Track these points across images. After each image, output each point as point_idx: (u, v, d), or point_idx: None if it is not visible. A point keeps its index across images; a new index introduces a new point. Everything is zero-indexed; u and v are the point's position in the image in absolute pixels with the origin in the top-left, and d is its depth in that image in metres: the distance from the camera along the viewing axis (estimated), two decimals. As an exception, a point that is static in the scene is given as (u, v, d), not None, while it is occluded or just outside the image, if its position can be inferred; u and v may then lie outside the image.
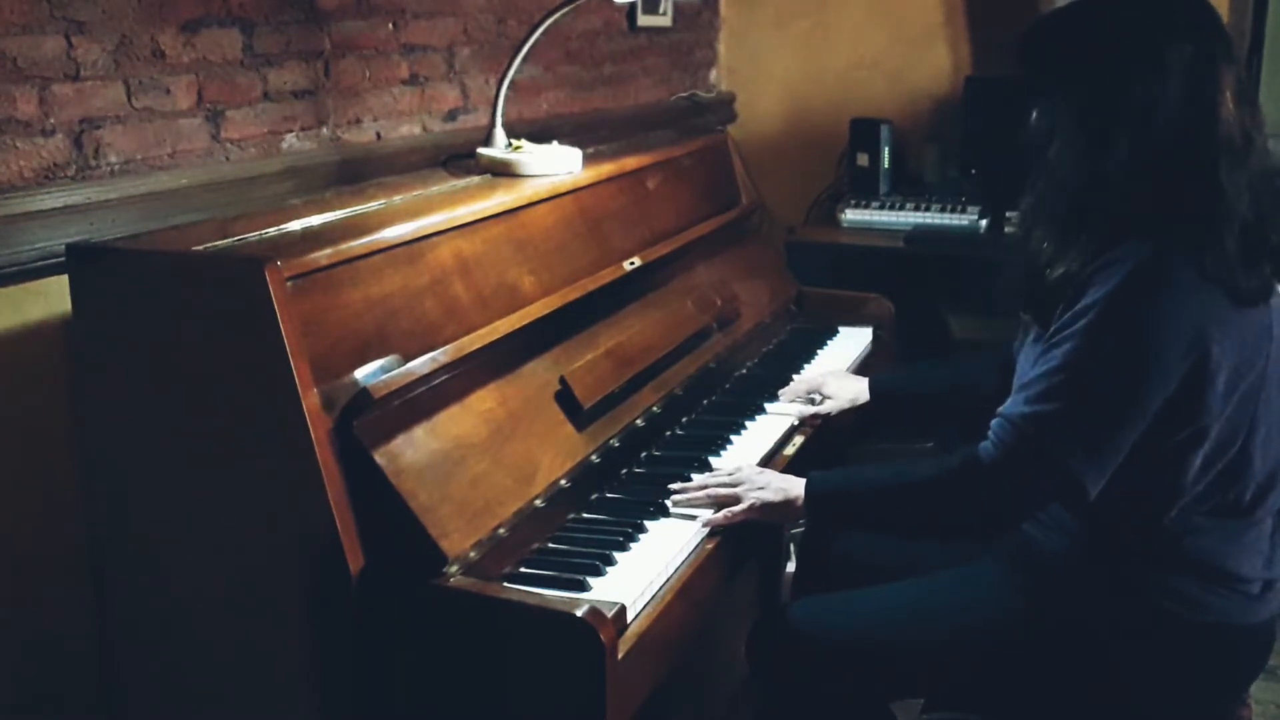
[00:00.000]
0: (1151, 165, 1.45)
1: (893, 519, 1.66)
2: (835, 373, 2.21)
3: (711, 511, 1.66)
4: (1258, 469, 1.51)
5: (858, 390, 2.10)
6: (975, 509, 1.55)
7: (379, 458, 1.44)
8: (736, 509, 1.65)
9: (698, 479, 1.73)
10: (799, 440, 2.01)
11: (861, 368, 2.40)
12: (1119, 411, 1.42)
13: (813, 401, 2.11)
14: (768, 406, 2.12)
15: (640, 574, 1.51)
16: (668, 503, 1.70)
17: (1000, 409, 1.52)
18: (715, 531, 1.65)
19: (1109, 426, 1.43)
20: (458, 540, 1.45)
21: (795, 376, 2.24)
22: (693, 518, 1.66)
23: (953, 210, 3.26)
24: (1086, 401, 1.44)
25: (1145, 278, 1.42)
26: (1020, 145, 1.59)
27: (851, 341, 2.53)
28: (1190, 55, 1.44)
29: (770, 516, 1.67)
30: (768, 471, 1.74)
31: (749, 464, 1.80)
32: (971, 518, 1.57)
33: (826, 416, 2.07)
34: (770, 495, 1.65)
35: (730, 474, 1.72)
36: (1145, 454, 1.45)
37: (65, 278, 1.61)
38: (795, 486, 1.66)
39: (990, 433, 1.51)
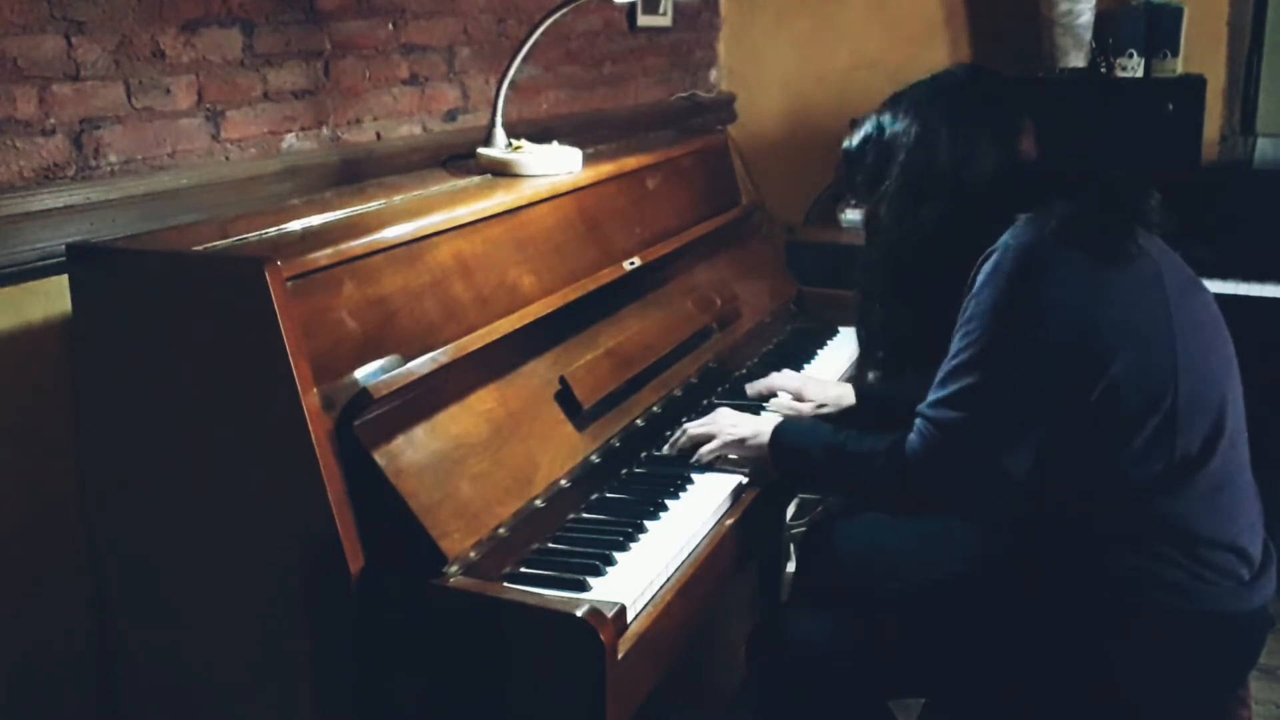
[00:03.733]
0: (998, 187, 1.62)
1: (832, 481, 1.82)
2: (815, 379, 2.20)
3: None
4: (1193, 414, 1.51)
5: (840, 393, 2.11)
6: (900, 492, 1.63)
7: (379, 458, 1.44)
8: (713, 444, 1.82)
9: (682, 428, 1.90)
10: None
11: (861, 367, 2.40)
12: (1009, 372, 1.49)
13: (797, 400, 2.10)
14: (766, 405, 2.11)
15: (640, 574, 1.51)
16: (668, 502, 1.70)
17: (918, 406, 1.58)
18: (714, 531, 1.65)
19: (1005, 391, 1.50)
20: (458, 540, 1.45)
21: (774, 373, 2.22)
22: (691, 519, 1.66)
23: (953, 210, 3.25)
24: (978, 374, 1.51)
25: (1011, 255, 1.51)
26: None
27: (851, 342, 2.52)
28: (990, 123, 1.65)
29: (742, 451, 1.81)
30: (743, 414, 1.89)
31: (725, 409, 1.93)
32: (898, 498, 1.67)
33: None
34: (743, 431, 1.81)
35: (708, 417, 1.88)
36: (1068, 425, 1.49)
37: (65, 278, 1.61)
38: (766, 427, 1.79)
39: (914, 428, 1.57)
